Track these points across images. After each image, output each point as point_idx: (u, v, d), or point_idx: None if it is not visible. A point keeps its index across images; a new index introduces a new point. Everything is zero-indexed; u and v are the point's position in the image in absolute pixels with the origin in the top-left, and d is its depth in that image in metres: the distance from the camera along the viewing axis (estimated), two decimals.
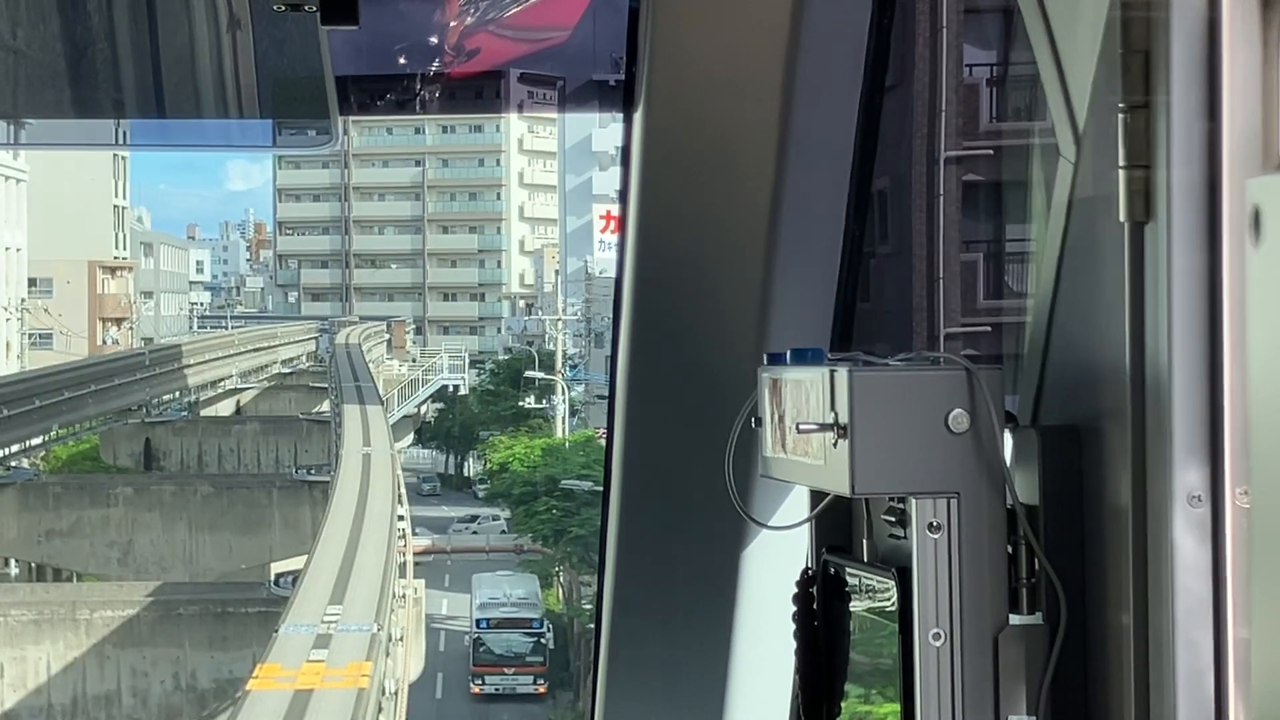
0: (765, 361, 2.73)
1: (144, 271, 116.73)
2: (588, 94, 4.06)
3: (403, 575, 39.98)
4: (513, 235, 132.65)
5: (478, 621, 51.40)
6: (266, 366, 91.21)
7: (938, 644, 2.41)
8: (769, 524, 3.33)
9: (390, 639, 34.57)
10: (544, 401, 74.51)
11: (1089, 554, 2.39)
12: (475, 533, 71.39)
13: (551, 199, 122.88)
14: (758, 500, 3.33)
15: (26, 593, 49.20)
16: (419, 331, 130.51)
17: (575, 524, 51.65)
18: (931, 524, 2.40)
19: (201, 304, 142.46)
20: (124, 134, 3.39)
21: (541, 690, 50.44)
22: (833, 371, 2.44)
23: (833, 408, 2.43)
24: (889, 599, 2.50)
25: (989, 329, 4.17)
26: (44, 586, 51.93)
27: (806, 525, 2.76)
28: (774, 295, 3.62)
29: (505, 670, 50.49)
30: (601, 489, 4.16)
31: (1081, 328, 2.40)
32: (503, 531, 68.46)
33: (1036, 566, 2.40)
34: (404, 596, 39.27)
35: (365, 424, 58.75)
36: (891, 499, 2.52)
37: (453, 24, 4.04)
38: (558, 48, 4.11)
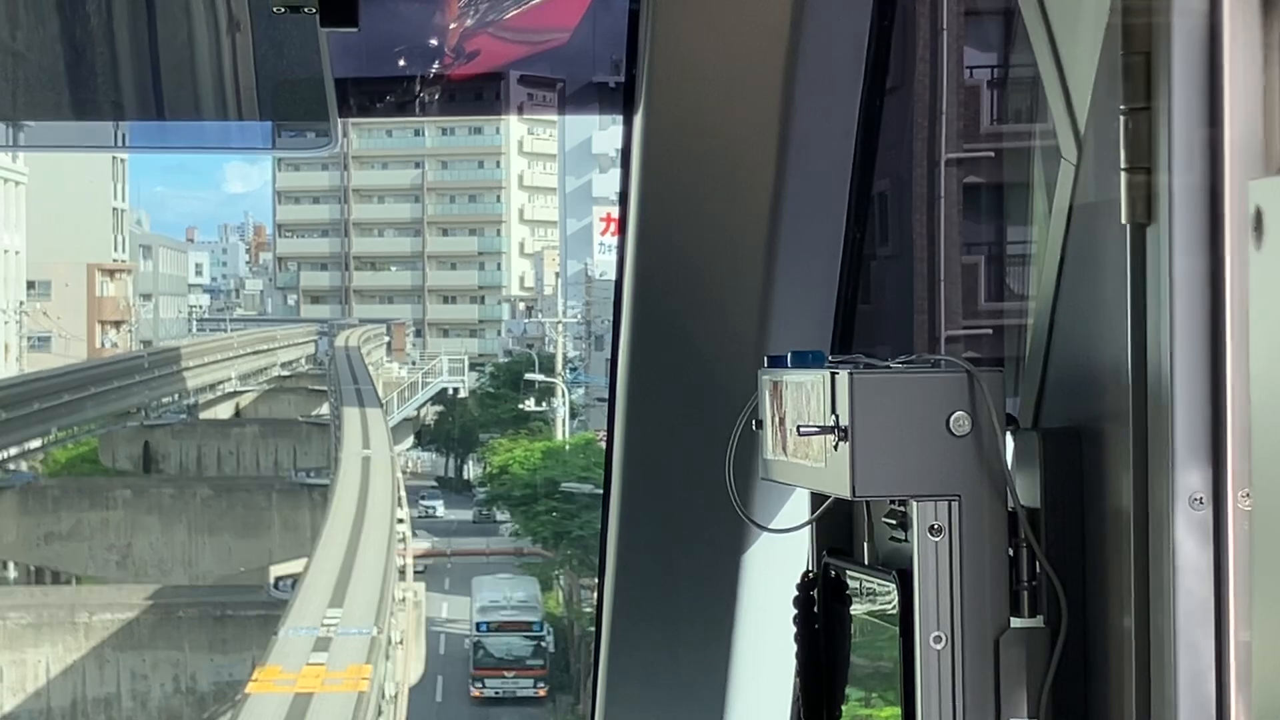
0: (765, 364, 2.73)
1: (143, 274, 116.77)
2: (588, 96, 4.06)
3: (402, 578, 40.01)
4: (512, 238, 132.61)
5: (478, 625, 51.38)
6: (266, 369, 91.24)
7: (938, 647, 2.41)
8: (769, 527, 3.33)
9: (390, 642, 34.59)
10: (544, 404, 74.49)
11: (1090, 557, 2.38)
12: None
13: (551, 201, 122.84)
14: (758, 503, 3.33)
15: (25, 596, 49.23)
16: (419, 334, 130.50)
17: (575, 526, 51.65)
18: (932, 527, 2.40)
19: (200, 306, 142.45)
20: (123, 136, 3.39)
21: (542, 693, 50.42)
22: (833, 374, 2.44)
23: (833, 410, 2.42)
24: (890, 602, 2.49)
25: (990, 331, 4.17)
26: (43, 589, 51.94)
27: (807, 528, 2.76)
28: (774, 297, 3.62)
29: (505, 673, 50.45)
30: (601, 492, 4.16)
31: (1083, 330, 2.40)
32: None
33: (1038, 569, 2.40)
34: (404, 600, 39.29)
35: (365, 427, 58.78)
36: (892, 502, 2.51)
37: (452, 26, 4.03)
38: (557, 49, 4.11)
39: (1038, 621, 2.41)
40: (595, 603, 4.37)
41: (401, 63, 3.95)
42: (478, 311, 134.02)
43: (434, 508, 78.19)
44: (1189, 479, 2.17)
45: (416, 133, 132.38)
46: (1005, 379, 2.42)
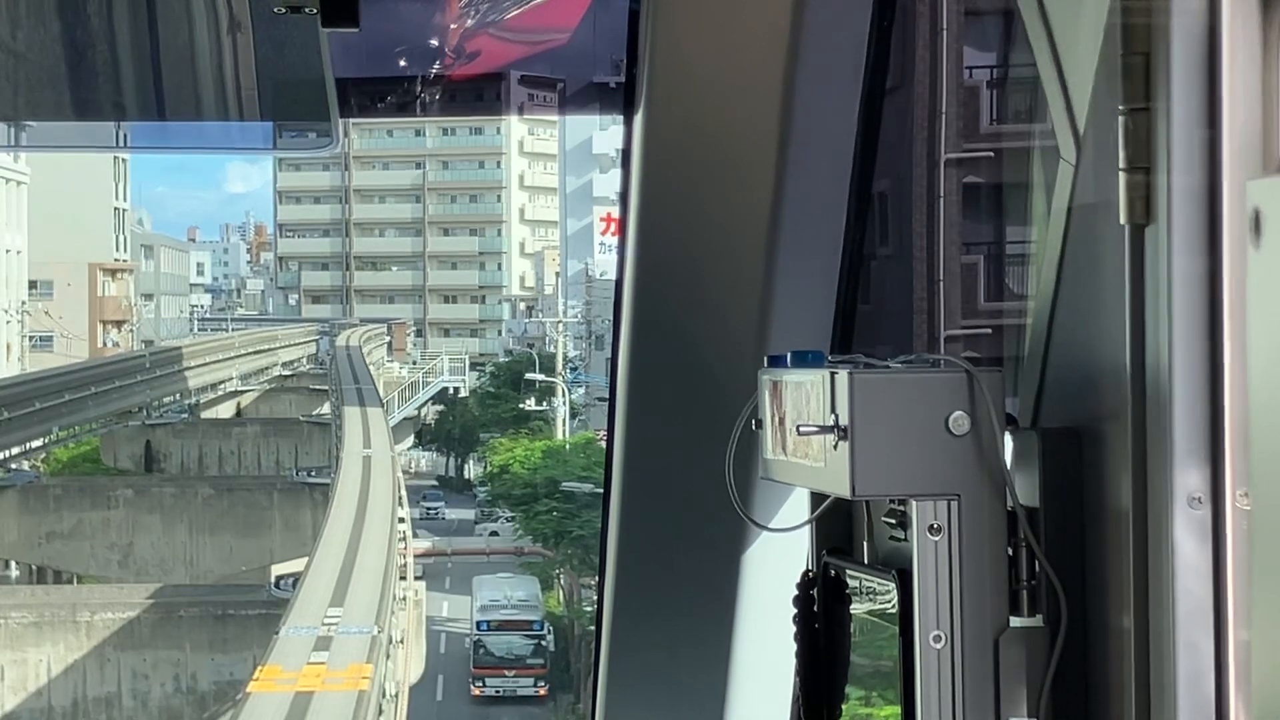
0: (765, 364, 2.74)
1: (144, 274, 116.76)
2: (588, 96, 4.06)
3: (403, 577, 39.98)
4: (513, 237, 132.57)
5: (478, 623, 51.39)
6: (267, 369, 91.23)
7: (938, 646, 2.41)
8: (769, 526, 3.33)
9: (391, 641, 34.58)
10: (544, 404, 74.46)
11: (1089, 556, 2.39)
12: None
13: (552, 201, 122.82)
14: (758, 502, 3.33)
15: (27, 595, 49.20)
16: (419, 334, 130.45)
17: (575, 526, 51.65)
18: (932, 526, 2.40)
19: (202, 306, 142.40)
20: (124, 136, 3.39)
21: (542, 692, 50.43)
22: (833, 374, 2.44)
23: (833, 410, 2.43)
24: (889, 601, 2.50)
25: (989, 331, 4.17)
26: (44, 589, 51.92)
27: (807, 527, 2.76)
28: (774, 297, 3.62)
29: (506, 672, 50.47)
30: (602, 491, 4.16)
31: (1082, 330, 2.40)
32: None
33: (1037, 569, 2.41)
34: (404, 599, 39.28)
35: (365, 426, 58.75)
36: (892, 501, 2.52)
37: (453, 26, 4.04)
38: (558, 50, 4.11)
39: (1037, 621, 2.42)
40: (595, 602, 4.37)
41: (402, 63, 3.95)
42: (478, 311, 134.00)
43: (438, 509, 77.84)
44: (1188, 479, 2.17)
45: (417, 133, 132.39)
46: (1004, 379, 2.43)
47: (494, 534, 69.04)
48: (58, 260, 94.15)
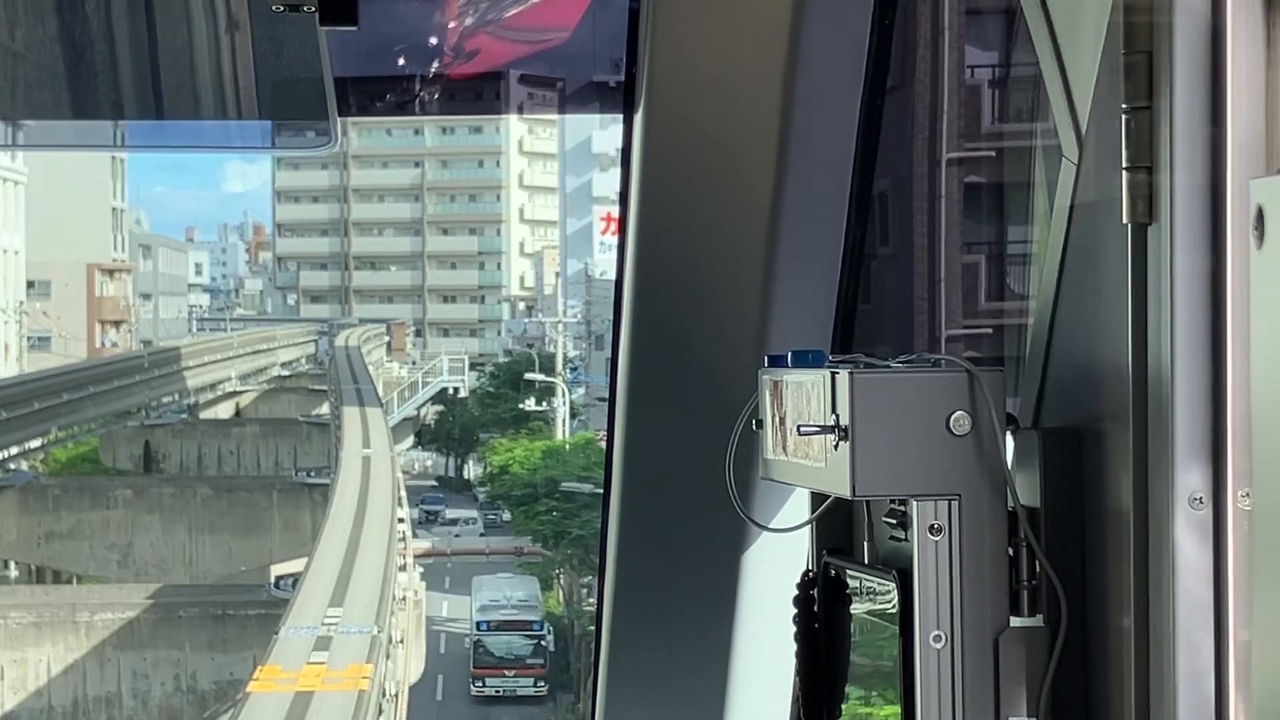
0: (766, 363, 2.73)
1: (142, 274, 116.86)
2: (588, 95, 4.06)
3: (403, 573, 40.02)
4: (513, 237, 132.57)
5: (478, 624, 51.41)
6: (266, 369, 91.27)
7: (938, 646, 2.41)
8: (770, 526, 3.33)
9: (390, 641, 34.61)
10: (544, 404, 74.47)
11: (1090, 556, 2.38)
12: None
13: (552, 201, 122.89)
14: (758, 502, 3.33)
15: (26, 595, 49.24)
16: (419, 334, 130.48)
17: (575, 526, 51.68)
18: (932, 526, 2.40)
19: (200, 306, 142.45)
20: (122, 135, 3.39)
21: (542, 692, 50.46)
22: (834, 373, 2.44)
23: (834, 410, 2.43)
24: (890, 601, 2.49)
25: (990, 331, 4.17)
26: (44, 589, 51.95)
27: (807, 527, 2.76)
28: (775, 297, 3.62)
29: (505, 672, 50.49)
30: (602, 491, 4.16)
31: (1083, 330, 2.40)
32: None
33: (1037, 569, 2.40)
34: (404, 599, 39.31)
35: (365, 426, 58.80)
36: (892, 501, 2.51)
37: (452, 25, 4.04)
38: (558, 49, 4.11)
39: (1037, 621, 2.41)
40: (595, 602, 4.36)
41: (401, 62, 3.95)
42: (478, 311, 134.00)
43: (437, 511, 77.34)
44: (1189, 479, 2.17)
45: (416, 132, 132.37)
46: (1005, 379, 2.42)
47: (456, 535, 69.41)
48: (55, 260, 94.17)
